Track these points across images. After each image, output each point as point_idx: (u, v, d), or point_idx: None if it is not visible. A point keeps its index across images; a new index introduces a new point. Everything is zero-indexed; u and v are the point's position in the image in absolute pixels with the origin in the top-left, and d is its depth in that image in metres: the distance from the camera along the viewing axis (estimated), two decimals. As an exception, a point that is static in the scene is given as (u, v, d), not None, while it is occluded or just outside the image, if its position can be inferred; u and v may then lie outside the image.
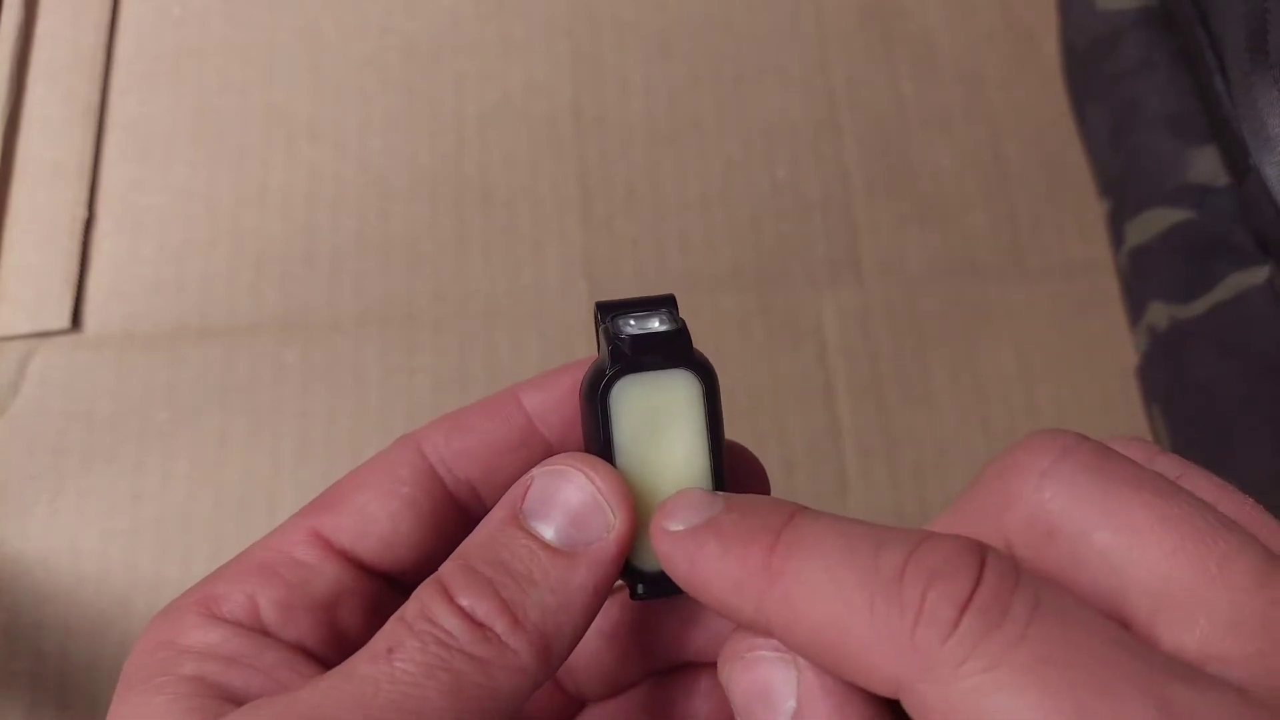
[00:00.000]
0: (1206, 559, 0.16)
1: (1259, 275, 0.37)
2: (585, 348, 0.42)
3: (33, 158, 0.45)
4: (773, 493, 0.23)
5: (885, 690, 0.16)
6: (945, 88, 0.47)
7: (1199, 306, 0.38)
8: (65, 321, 0.42)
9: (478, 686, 0.18)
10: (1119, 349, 0.43)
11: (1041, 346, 0.43)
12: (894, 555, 0.16)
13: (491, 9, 0.48)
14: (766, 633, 0.18)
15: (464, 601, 0.19)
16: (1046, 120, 0.47)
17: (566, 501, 0.20)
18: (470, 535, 0.20)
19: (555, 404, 0.23)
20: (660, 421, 0.21)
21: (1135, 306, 0.42)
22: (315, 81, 0.47)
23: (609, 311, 0.21)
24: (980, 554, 0.16)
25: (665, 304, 0.21)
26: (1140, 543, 0.16)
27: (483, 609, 0.19)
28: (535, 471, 0.21)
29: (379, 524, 0.22)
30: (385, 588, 0.22)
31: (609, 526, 0.20)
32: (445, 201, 0.45)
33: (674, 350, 0.21)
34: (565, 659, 0.20)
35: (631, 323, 0.21)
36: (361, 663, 0.18)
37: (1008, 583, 0.16)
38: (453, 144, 0.46)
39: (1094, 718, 0.14)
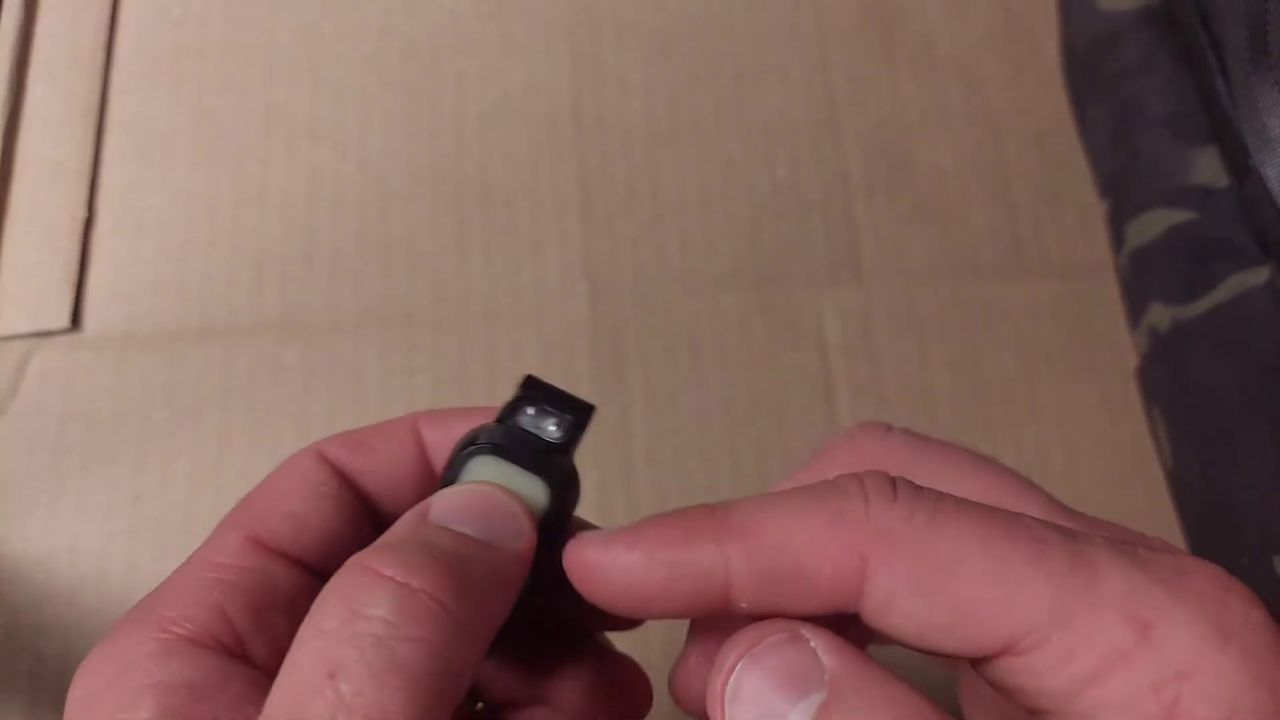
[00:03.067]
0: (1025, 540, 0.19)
1: (1259, 276, 0.37)
2: (585, 348, 0.42)
3: (33, 158, 0.45)
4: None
5: (845, 570, 0.18)
6: (945, 88, 0.47)
7: (1199, 307, 0.38)
8: (65, 321, 0.42)
9: (430, 675, 0.17)
10: (1119, 349, 0.43)
11: (1041, 346, 0.43)
12: (825, 483, 0.19)
13: (491, 9, 0.48)
14: (723, 571, 0.18)
15: (389, 570, 0.18)
16: (1046, 120, 0.47)
17: (477, 504, 0.20)
18: (385, 533, 0.20)
19: (447, 444, 0.22)
20: None
21: (1135, 307, 0.42)
22: (315, 81, 0.47)
23: (528, 391, 0.22)
24: (886, 473, 0.19)
25: (579, 413, 0.21)
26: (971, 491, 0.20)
27: (416, 579, 0.18)
28: (435, 496, 0.20)
29: (311, 523, 0.22)
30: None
31: (519, 532, 0.20)
32: (445, 201, 0.45)
33: (543, 459, 0.21)
34: (497, 630, 0.19)
35: (530, 412, 0.21)
36: (304, 701, 0.17)
37: (913, 483, 0.19)
38: (453, 144, 0.46)
39: (1023, 534, 0.18)
